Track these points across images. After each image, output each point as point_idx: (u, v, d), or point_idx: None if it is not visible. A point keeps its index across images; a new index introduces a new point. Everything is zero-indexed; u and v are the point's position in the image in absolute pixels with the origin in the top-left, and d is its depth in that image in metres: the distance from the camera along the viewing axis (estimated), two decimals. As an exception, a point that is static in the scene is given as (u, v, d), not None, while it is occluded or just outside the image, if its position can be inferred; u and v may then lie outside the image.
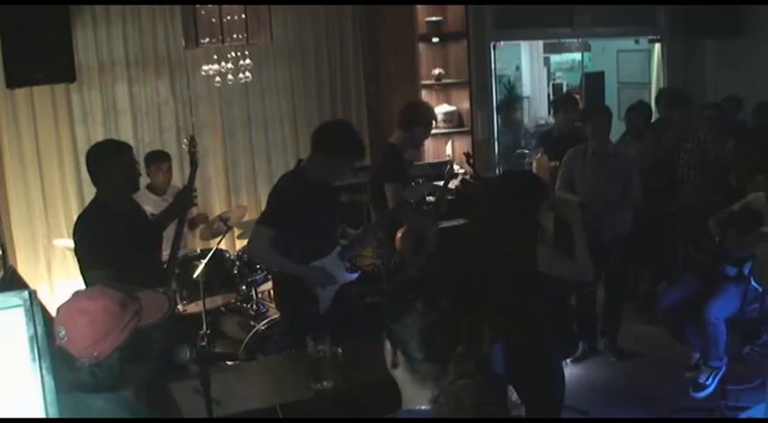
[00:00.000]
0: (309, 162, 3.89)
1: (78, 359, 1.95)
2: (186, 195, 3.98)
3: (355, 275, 4.07)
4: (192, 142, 4.04)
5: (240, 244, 5.88)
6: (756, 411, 3.96)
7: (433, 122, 5.07)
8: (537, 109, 11.60)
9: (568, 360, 5.02)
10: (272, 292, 5.21)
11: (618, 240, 5.12)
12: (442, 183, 5.35)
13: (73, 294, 2.08)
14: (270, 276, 5.28)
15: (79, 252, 3.55)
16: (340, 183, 6.22)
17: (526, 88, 13.62)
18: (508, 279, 3.40)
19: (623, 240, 5.16)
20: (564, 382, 3.63)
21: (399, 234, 4.62)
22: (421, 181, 4.31)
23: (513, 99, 8.68)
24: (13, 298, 1.54)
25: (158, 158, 5.50)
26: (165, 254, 4.03)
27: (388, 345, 1.86)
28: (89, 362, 1.96)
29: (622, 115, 6.56)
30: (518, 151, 7.37)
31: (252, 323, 4.79)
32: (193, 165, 3.97)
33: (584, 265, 3.53)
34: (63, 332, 1.96)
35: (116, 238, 3.44)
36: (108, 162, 3.54)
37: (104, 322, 1.99)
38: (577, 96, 9.17)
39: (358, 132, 4.13)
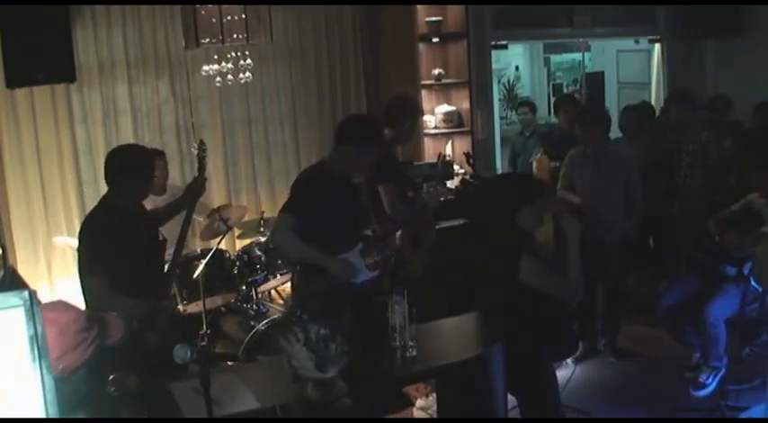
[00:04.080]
0: (333, 156, 3.91)
1: None
2: (197, 184, 3.98)
3: (374, 274, 4.05)
4: (202, 146, 4.05)
5: (240, 244, 5.88)
6: (756, 411, 3.96)
7: (420, 114, 5.01)
8: (537, 109, 11.60)
9: (568, 360, 5.01)
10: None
11: (617, 240, 5.12)
12: (435, 181, 5.34)
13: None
14: (269, 277, 5.29)
15: (84, 255, 3.50)
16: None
17: (526, 88, 13.65)
18: (508, 279, 3.40)
19: (623, 240, 5.15)
20: (557, 385, 3.64)
21: (398, 231, 4.60)
22: (438, 187, 4.28)
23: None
24: (13, 298, 1.54)
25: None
26: (168, 253, 4.03)
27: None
28: (55, 376, 1.90)
29: (622, 115, 6.56)
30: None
31: (252, 323, 4.79)
32: (202, 169, 3.99)
33: (573, 282, 3.45)
34: None
35: (125, 241, 3.43)
36: (143, 170, 3.58)
37: (73, 334, 1.96)
38: (578, 96, 9.18)
39: (379, 125, 4.18)
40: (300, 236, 3.73)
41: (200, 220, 5.68)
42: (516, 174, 6.35)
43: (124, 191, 3.57)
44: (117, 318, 2.37)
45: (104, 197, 3.65)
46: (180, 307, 4.95)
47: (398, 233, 4.60)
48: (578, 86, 10.87)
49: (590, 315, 5.29)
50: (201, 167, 3.98)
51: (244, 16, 4.75)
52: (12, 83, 5.25)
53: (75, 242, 3.77)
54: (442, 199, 4.34)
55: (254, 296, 5.24)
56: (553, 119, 8.85)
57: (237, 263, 5.24)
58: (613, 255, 5.16)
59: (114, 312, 2.60)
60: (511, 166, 7.18)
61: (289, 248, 4.04)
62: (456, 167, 6.98)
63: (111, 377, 2.45)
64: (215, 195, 6.55)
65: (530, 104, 7.52)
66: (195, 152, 4.08)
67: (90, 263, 3.47)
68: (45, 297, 5.55)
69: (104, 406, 2.20)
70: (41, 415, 1.56)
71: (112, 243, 3.42)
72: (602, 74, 10.49)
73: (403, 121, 4.75)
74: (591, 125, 5.09)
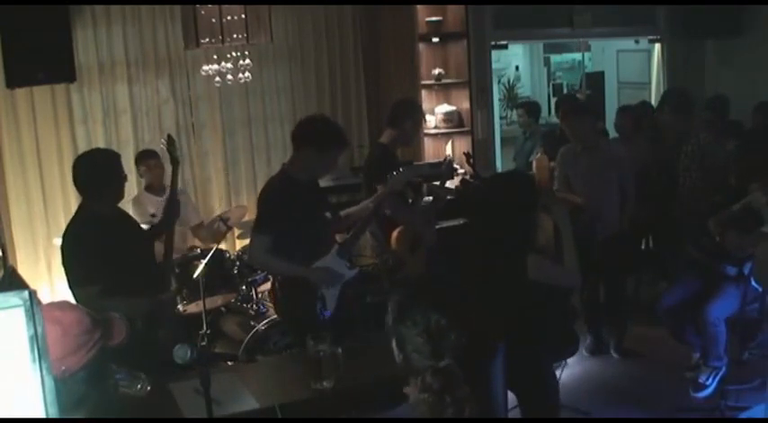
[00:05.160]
0: (295, 161, 3.88)
1: None
2: (172, 205, 3.94)
3: (355, 271, 4.05)
4: (170, 140, 4.03)
5: (240, 244, 5.88)
6: (756, 411, 3.96)
7: (422, 119, 5.01)
8: (540, 110, 11.65)
9: (568, 360, 5.01)
10: (270, 293, 5.19)
11: (615, 236, 5.11)
12: (439, 182, 5.34)
13: (43, 305, 2.03)
14: (269, 277, 5.29)
15: (70, 267, 3.47)
16: (338, 183, 6.27)
17: (526, 88, 13.66)
18: (508, 279, 3.40)
19: (621, 236, 5.14)
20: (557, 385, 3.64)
21: (395, 233, 4.61)
22: (401, 169, 4.24)
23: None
24: (13, 298, 1.54)
25: (145, 157, 5.54)
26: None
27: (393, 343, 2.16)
28: (55, 377, 1.89)
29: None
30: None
31: (252, 323, 4.79)
32: (174, 163, 3.95)
33: (570, 269, 3.46)
34: None
35: (111, 247, 3.42)
36: (112, 172, 3.53)
37: (77, 335, 1.95)
38: (580, 96, 9.18)
39: (338, 123, 4.17)
40: (276, 251, 3.72)
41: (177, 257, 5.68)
42: (508, 174, 6.33)
43: (103, 197, 3.54)
44: (120, 319, 2.36)
45: (81, 206, 3.61)
46: (180, 307, 4.96)
47: (394, 234, 4.59)
48: (579, 86, 10.87)
49: (595, 311, 5.30)
50: (174, 163, 3.92)
51: (244, 16, 4.75)
52: (12, 83, 5.25)
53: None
54: (406, 180, 4.31)
55: (254, 296, 5.25)
56: (553, 119, 8.85)
57: (237, 263, 5.24)
58: (612, 251, 5.14)
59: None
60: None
61: (267, 268, 4.05)
62: (456, 167, 6.98)
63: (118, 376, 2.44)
64: (215, 195, 6.56)
65: (526, 106, 7.52)
66: (164, 147, 4.04)
67: (80, 274, 3.44)
68: (45, 297, 5.55)
69: (104, 407, 2.20)
70: (41, 415, 1.56)
71: (97, 250, 3.39)
72: (602, 74, 10.49)
73: (405, 122, 4.78)
74: (576, 118, 5.09)
